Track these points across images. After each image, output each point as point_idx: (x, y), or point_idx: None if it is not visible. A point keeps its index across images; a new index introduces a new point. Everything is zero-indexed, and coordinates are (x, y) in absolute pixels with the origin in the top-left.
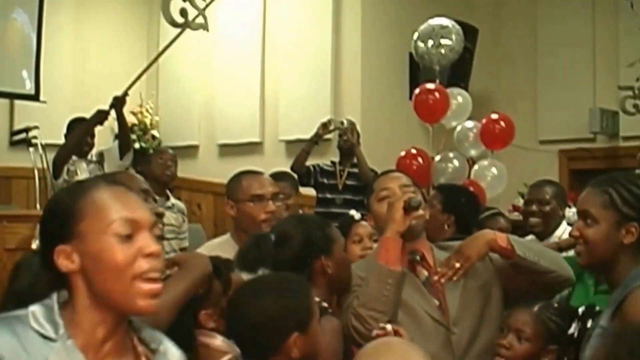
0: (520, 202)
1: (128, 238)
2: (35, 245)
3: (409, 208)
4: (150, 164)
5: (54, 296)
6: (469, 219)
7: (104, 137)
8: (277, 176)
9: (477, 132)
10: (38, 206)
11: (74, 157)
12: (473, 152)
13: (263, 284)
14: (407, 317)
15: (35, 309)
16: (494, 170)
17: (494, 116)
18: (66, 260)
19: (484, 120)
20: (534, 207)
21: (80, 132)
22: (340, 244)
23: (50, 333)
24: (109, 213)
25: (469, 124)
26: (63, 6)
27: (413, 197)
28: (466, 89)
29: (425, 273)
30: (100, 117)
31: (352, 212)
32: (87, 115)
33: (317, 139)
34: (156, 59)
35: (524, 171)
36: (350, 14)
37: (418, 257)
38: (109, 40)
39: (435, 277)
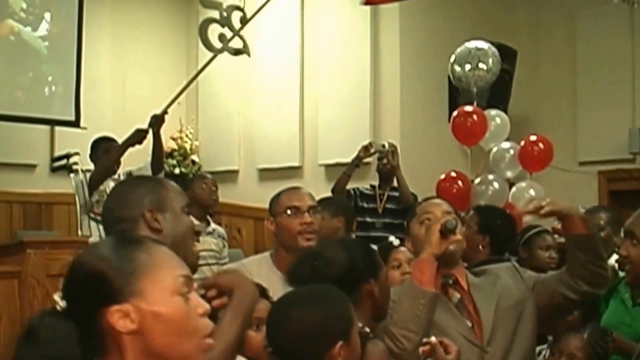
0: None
1: (187, 296)
2: (61, 303)
3: (445, 231)
4: (192, 189)
5: None
6: (505, 240)
7: (141, 156)
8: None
9: (515, 153)
10: (79, 232)
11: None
12: (509, 174)
13: (302, 294)
14: (440, 338)
15: None
16: (532, 192)
17: (533, 138)
18: (124, 320)
19: (522, 142)
20: None
21: (119, 150)
22: (385, 269)
23: None
24: (171, 270)
25: (506, 145)
26: (101, 32)
27: (449, 220)
28: (505, 111)
29: (458, 295)
30: (139, 136)
31: (391, 238)
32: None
33: (358, 162)
34: (195, 77)
35: (564, 193)
36: (388, 37)
37: (451, 281)
38: (148, 65)
39: (527, 207)
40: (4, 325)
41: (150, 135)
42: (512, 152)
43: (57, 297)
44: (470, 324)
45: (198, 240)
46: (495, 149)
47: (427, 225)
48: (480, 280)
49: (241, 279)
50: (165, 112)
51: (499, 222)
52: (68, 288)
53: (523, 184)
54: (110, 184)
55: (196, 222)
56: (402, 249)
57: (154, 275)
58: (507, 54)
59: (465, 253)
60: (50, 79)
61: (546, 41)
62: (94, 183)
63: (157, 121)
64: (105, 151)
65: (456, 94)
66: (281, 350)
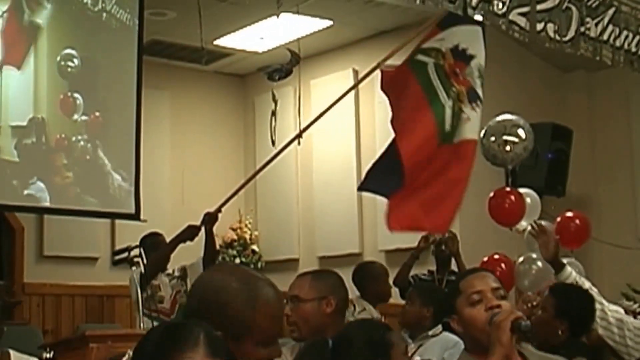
0: (625, 303)
1: None
2: None
3: (518, 331)
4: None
5: None
6: (585, 323)
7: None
8: None
9: (552, 231)
10: (142, 325)
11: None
12: None
13: None
14: None
15: None
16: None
17: (569, 214)
18: None
19: (558, 219)
20: None
21: (169, 246)
22: (400, 348)
23: None
24: None
25: (542, 222)
26: (161, 126)
27: (523, 321)
28: (564, 191)
29: None
30: (191, 233)
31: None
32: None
33: (418, 253)
34: (254, 176)
35: (627, 272)
36: None
37: None
38: (206, 158)
39: None
40: None
41: (202, 232)
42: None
43: None
44: None
45: None
46: (529, 228)
47: (496, 321)
48: None
49: None
50: (219, 210)
51: (578, 304)
52: None
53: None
54: (164, 280)
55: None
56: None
57: None
58: (563, 134)
59: (544, 338)
60: (110, 172)
61: (601, 119)
62: (145, 279)
63: (210, 219)
64: (153, 247)
65: (514, 177)
66: None
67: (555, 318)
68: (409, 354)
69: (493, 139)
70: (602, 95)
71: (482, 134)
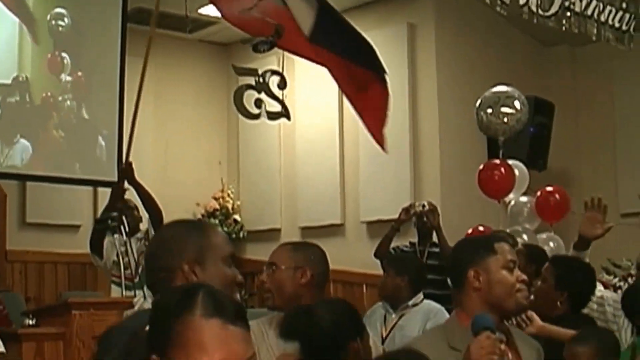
0: (605, 277)
1: None
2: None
3: None
4: None
5: None
6: (585, 296)
7: None
8: None
9: (532, 206)
10: (124, 292)
11: (124, 237)
12: (528, 226)
13: None
14: None
15: None
16: (551, 244)
17: (549, 189)
18: None
19: (538, 193)
20: None
21: (105, 212)
22: (368, 334)
23: None
24: (203, 354)
25: (524, 198)
26: (144, 96)
27: None
28: (545, 165)
29: None
30: (117, 191)
31: None
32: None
33: (398, 225)
34: (135, 112)
35: (608, 246)
36: (426, 94)
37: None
38: (190, 127)
39: None
40: None
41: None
42: (529, 204)
43: None
44: None
45: (240, 291)
46: (512, 202)
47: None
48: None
49: None
50: (127, 161)
51: (579, 277)
52: None
53: (543, 236)
54: (131, 243)
55: None
56: None
57: (184, 349)
58: (544, 108)
59: (542, 309)
60: (93, 136)
61: (584, 94)
62: (93, 243)
63: (124, 172)
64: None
65: (496, 150)
66: None
67: (555, 289)
68: (391, 325)
69: (490, 110)
70: (585, 71)
71: (477, 105)
